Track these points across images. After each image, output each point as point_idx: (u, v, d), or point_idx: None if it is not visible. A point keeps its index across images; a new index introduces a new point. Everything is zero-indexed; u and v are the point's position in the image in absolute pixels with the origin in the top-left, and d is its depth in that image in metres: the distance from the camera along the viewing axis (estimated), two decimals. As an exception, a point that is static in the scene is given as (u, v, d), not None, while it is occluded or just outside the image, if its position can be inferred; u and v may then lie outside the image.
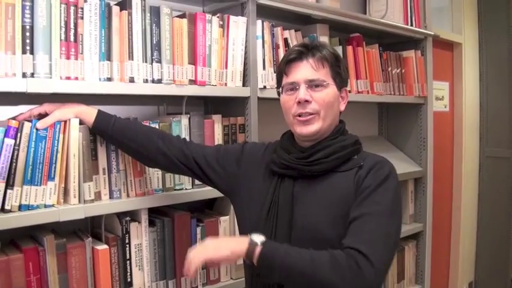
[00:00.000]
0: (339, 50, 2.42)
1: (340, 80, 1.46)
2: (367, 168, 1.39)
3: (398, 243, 1.41)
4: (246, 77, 2.02)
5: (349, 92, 2.39)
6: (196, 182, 1.87)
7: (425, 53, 2.95)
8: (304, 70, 1.43)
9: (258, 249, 1.26)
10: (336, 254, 1.24)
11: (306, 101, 1.41)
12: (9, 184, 1.43)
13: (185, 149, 1.63)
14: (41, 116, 1.53)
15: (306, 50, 1.44)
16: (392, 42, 2.93)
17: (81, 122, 1.57)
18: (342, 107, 1.49)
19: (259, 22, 2.05)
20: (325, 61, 1.43)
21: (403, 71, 2.84)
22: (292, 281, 1.26)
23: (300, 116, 1.43)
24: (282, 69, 1.47)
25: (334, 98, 1.44)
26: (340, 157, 1.42)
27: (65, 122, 1.54)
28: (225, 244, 1.32)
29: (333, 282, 1.21)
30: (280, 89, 1.48)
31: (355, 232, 1.30)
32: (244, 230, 1.52)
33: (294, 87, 1.44)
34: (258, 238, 1.28)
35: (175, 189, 1.84)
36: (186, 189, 1.87)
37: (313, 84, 1.42)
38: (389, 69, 2.74)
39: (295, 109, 1.43)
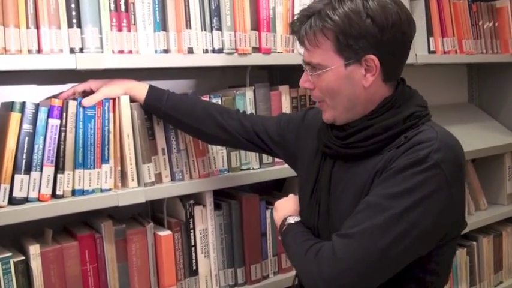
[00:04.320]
0: (421, 3, 2.20)
1: (354, 52, 1.15)
2: (406, 147, 1.13)
3: (399, 258, 1.09)
4: (316, 41, 1.85)
5: (434, 52, 2.22)
6: (264, 160, 1.78)
7: (522, 1, 2.66)
8: (304, 48, 1.21)
9: (285, 226, 1.34)
10: (315, 246, 1.17)
11: (308, 87, 1.23)
12: (59, 168, 1.38)
13: (244, 121, 1.52)
14: (86, 94, 1.46)
15: (306, 19, 1.18)
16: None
17: (132, 100, 1.49)
18: (366, 82, 1.17)
19: (329, -24, 1.86)
20: (325, 34, 1.15)
21: (496, 24, 2.56)
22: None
23: None
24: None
25: (338, 82, 1.18)
26: (382, 140, 1.17)
27: (114, 99, 1.47)
28: (280, 209, 1.41)
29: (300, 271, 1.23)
30: None
31: (346, 222, 1.13)
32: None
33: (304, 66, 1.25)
34: (293, 219, 1.33)
35: (241, 169, 1.74)
36: (253, 168, 1.77)
37: (310, 68, 1.21)
38: (481, 23, 2.49)
39: None
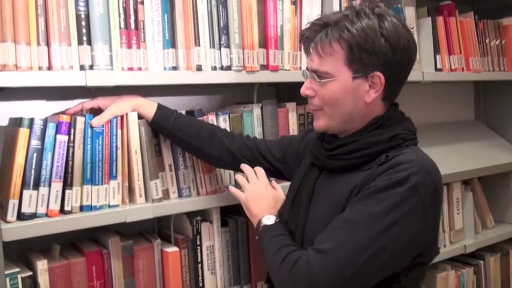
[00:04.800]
0: (428, 21, 2.19)
1: (363, 66, 1.18)
2: (386, 167, 1.15)
3: (374, 274, 1.13)
4: (323, 58, 1.85)
5: (441, 70, 2.21)
6: (271, 177, 1.72)
7: (529, 18, 2.63)
8: (313, 55, 1.23)
9: (259, 228, 1.32)
10: (291, 256, 1.18)
11: (309, 95, 1.26)
12: (67, 184, 1.37)
13: (248, 143, 1.54)
14: (94, 111, 1.46)
15: (321, 28, 1.21)
16: (490, 8, 2.62)
17: (139, 116, 1.48)
18: (369, 98, 1.21)
19: (335, -5, 1.88)
20: (340, 44, 1.18)
21: (503, 42, 2.54)
22: None
23: None
24: (302, 45, 1.29)
25: (342, 92, 1.20)
26: (364, 155, 1.21)
27: (122, 116, 1.46)
28: (252, 208, 1.38)
29: (274, 279, 1.22)
30: None
31: (321, 235, 1.16)
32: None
33: (307, 74, 1.27)
34: (268, 220, 1.31)
35: None
36: None
37: (316, 76, 1.23)
38: (487, 40, 2.47)
39: None
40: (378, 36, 1.17)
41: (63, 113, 1.43)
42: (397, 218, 1.09)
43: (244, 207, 1.42)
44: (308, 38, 1.24)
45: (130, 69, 1.47)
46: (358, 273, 1.09)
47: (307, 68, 1.27)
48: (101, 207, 1.42)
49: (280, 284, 1.18)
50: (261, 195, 1.41)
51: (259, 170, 1.47)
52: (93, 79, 1.39)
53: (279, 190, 1.47)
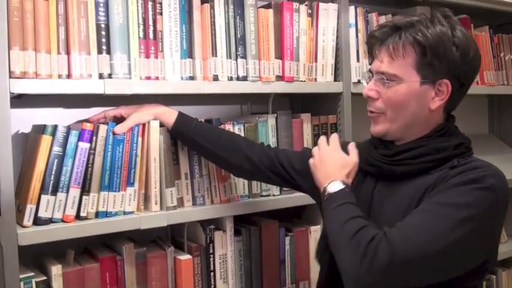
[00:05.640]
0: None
1: (433, 72, 1.17)
2: (461, 170, 1.14)
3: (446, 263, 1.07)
4: (338, 70, 1.87)
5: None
6: (285, 187, 1.75)
7: (544, 33, 2.61)
8: (382, 57, 1.20)
9: (324, 197, 1.23)
10: (367, 230, 1.09)
11: (372, 96, 1.23)
12: (84, 190, 1.39)
13: (269, 152, 1.52)
14: (116, 119, 1.47)
15: (392, 31, 1.20)
16: (505, 23, 2.61)
17: (160, 124, 1.50)
18: (433, 105, 1.19)
19: (351, 8, 1.89)
20: (414, 47, 1.17)
21: (518, 56, 2.53)
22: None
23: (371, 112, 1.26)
24: (368, 47, 1.28)
25: (408, 96, 1.19)
26: (431, 160, 1.18)
27: (144, 124, 1.48)
28: (318, 175, 1.29)
29: (340, 253, 1.12)
30: None
31: (398, 224, 1.10)
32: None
33: (370, 76, 1.25)
34: (333, 187, 1.22)
35: (262, 196, 1.73)
36: (273, 195, 1.75)
37: (382, 78, 1.20)
38: (502, 54, 2.45)
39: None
40: (450, 44, 1.16)
41: (86, 120, 1.45)
42: (474, 213, 1.07)
43: (315, 165, 1.31)
44: (377, 39, 1.23)
45: (148, 78, 1.49)
46: (436, 257, 1.05)
47: (370, 70, 1.26)
48: (116, 213, 1.43)
49: (349, 259, 1.08)
50: (326, 160, 1.30)
51: (333, 135, 1.38)
52: (112, 87, 1.41)
53: (352, 154, 1.31)
